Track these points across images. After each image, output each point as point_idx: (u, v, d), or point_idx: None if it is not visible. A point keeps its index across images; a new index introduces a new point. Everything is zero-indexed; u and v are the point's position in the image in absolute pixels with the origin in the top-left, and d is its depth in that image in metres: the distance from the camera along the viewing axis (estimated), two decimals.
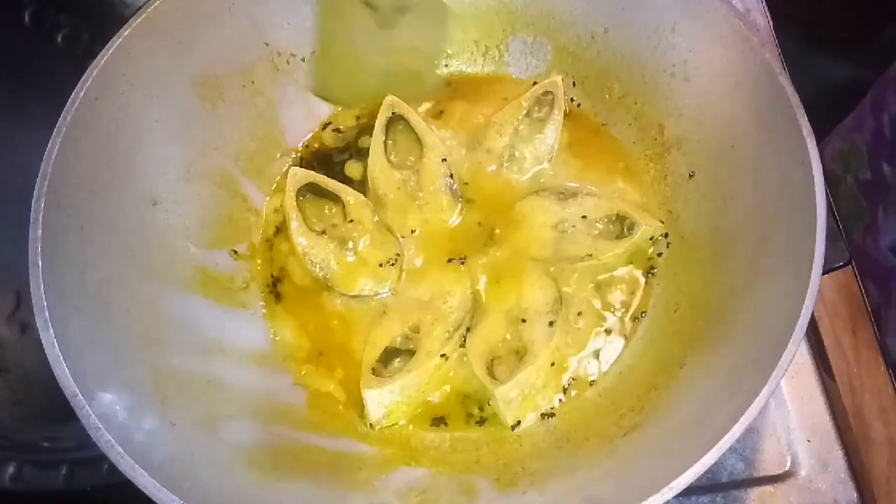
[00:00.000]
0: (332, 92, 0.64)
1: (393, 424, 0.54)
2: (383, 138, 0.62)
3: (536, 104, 0.63)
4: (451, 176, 0.61)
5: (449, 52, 0.66)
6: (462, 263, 0.59)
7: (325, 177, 0.61)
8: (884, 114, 0.62)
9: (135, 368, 0.47)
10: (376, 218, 0.60)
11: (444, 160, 0.61)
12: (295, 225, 0.59)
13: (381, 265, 0.58)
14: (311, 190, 0.61)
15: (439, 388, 0.55)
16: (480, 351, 0.55)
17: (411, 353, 0.55)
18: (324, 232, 0.60)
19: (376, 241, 0.59)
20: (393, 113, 0.63)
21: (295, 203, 0.60)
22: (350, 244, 0.59)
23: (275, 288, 0.59)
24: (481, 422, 0.55)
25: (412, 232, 0.60)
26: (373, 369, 0.55)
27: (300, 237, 0.59)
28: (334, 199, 0.61)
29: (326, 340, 0.58)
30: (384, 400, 0.53)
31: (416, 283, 0.59)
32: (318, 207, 0.61)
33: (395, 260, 0.59)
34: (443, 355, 0.54)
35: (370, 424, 0.54)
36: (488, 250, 0.59)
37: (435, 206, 0.61)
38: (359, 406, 0.54)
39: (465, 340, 0.56)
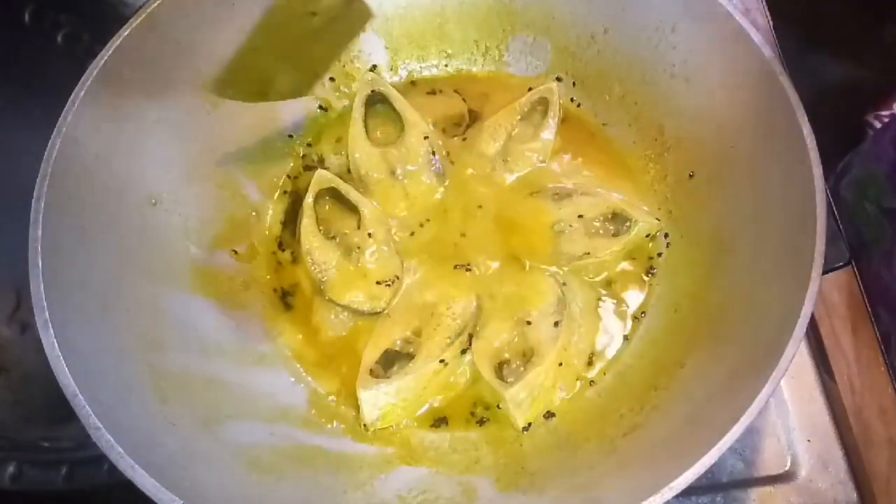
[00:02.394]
0: (230, 91, 0.57)
1: (387, 427, 0.54)
2: (363, 115, 0.62)
3: (531, 109, 0.63)
4: (434, 153, 0.61)
5: (449, 51, 0.66)
6: (468, 270, 0.59)
7: (349, 186, 0.61)
8: None
9: (135, 368, 0.47)
10: (382, 236, 0.59)
11: (426, 138, 0.61)
12: (307, 224, 0.59)
13: (378, 283, 0.58)
14: (331, 195, 0.61)
15: (438, 394, 0.55)
16: (488, 354, 0.55)
17: (411, 356, 0.55)
18: (333, 237, 0.60)
19: (381, 258, 0.59)
20: (372, 91, 0.63)
21: (312, 202, 0.60)
22: (355, 254, 0.59)
23: (283, 299, 0.59)
24: (482, 422, 0.55)
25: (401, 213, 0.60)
26: (371, 370, 0.55)
27: (309, 236, 0.59)
28: (352, 208, 0.60)
29: (333, 342, 0.58)
30: (379, 401, 0.53)
31: (422, 288, 0.59)
32: (333, 213, 0.61)
33: (393, 281, 0.58)
34: (442, 361, 0.54)
35: (364, 425, 0.54)
36: (489, 255, 0.59)
37: (418, 185, 0.61)
38: (357, 406, 0.54)
39: (467, 347, 0.56)
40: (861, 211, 0.66)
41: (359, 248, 0.59)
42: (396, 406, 0.54)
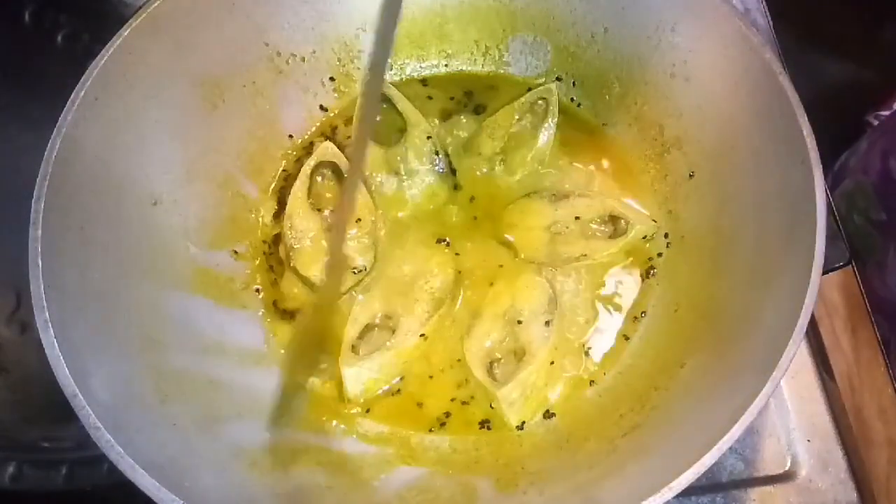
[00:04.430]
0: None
1: (370, 396, 0.55)
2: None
3: (530, 110, 0.63)
4: (437, 153, 0.61)
5: (449, 51, 0.66)
6: (447, 245, 0.59)
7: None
8: (890, 159, 0.63)
9: (135, 368, 0.47)
10: (367, 228, 0.59)
11: (429, 137, 0.62)
12: (297, 188, 0.60)
13: None
14: (331, 169, 0.61)
15: (417, 362, 0.56)
16: (479, 354, 0.55)
17: (391, 330, 0.56)
18: (320, 210, 0.60)
19: (359, 246, 0.59)
20: None
21: (310, 171, 0.60)
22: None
23: (285, 311, 0.59)
24: (484, 424, 0.54)
25: (399, 215, 0.61)
26: (353, 346, 0.55)
27: (296, 201, 0.59)
28: None
29: (325, 340, 0.58)
30: (362, 377, 0.54)
31: (401, 262, 0.59)
32: (328, 188, 0.62)
33: (360, 271, 0.58)
34: (422, 335, 0.55)
35: (348, 399, 0.54)
36: (475, 235, 0.60)
37: (422, 186, 0.61)
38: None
39: (444, 321, 0.56)
40: (850, 223, 0.67)
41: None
42: (379, 380, 0.55)
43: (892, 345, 0.62)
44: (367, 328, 0.56)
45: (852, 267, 0.63)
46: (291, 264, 0.58)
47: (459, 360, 0.56)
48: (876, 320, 0.63)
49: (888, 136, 0.66)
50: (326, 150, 0.61)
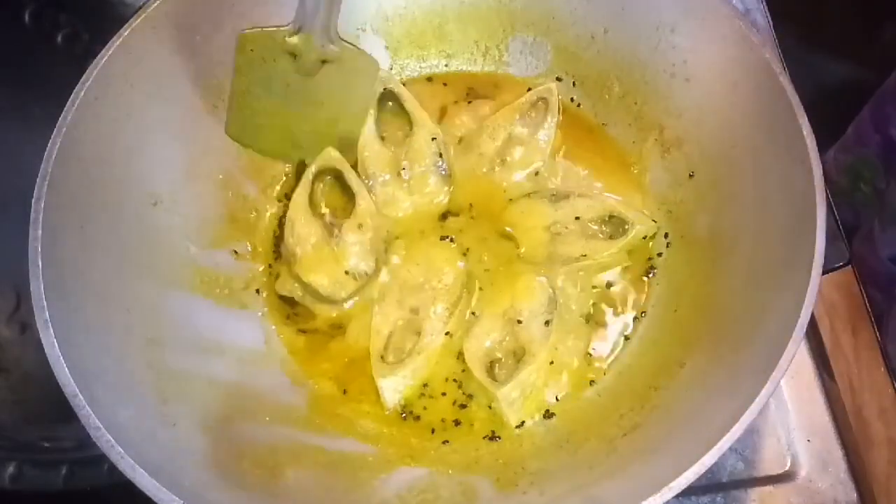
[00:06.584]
0: (250, 139, 0.60)
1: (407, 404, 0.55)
2: (375, 114, 0.62)
3: (530, 110, 0.63)
4: (441, 155, 0.61)
5: (449, 51, 0.66)
6: (452, 241, 0.59)
7: (354, 171, 0.61)
8: (889, 127, 0.63)
9: (135, 368, 0.47)
10: (370, 234, 0.59)
11: (433, 139, 0.62)
12: (299, 194, 0.59)
13: (346, 272, 0.58)
14: (333, 175, 0.61)
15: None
16: (479, 354, 0.55)
17: (415, 333, 0.56)
18: (322, 215, 0.60)
19: (361, 251, 0.58)
20: (384, 89, 0.63)
21: (312, 177, 0.60)
22: (336, 238, 0.59)
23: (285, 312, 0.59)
24: (492, 438, 0.54)
25: (401, 215, 0.61)
26: (381, 356, 0.55)
27: (298, 206, 0.59)
28: (349, 195, 0.61)
29: (324, 340, 0.58)
30: (399, 385, 0.54)
31: (409, 265, 0.59)
32: (329, 192, 0.62)
33: (360, 277, 0.58)
34: (447, 333, 0.55)
35: (386, 410, 0.54)
36: (478, 232, 0.60)
37: (422, 187, 0.61)
38: (358, 400, 0.55)
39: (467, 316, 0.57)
40: (858, 192, 0.67)
41: (341, 233, 0.59)
42: (414, 385, 0.55)
43: (884, 318, 0.62)
44: (391, 335, 0.56)
45: (852, 267, 0.63)
46: (293, 270, 0.58)
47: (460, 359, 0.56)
48: (868, 293, 0.63)
49: (878, 107, 0.66)
50: (328, 155, 0.61)
